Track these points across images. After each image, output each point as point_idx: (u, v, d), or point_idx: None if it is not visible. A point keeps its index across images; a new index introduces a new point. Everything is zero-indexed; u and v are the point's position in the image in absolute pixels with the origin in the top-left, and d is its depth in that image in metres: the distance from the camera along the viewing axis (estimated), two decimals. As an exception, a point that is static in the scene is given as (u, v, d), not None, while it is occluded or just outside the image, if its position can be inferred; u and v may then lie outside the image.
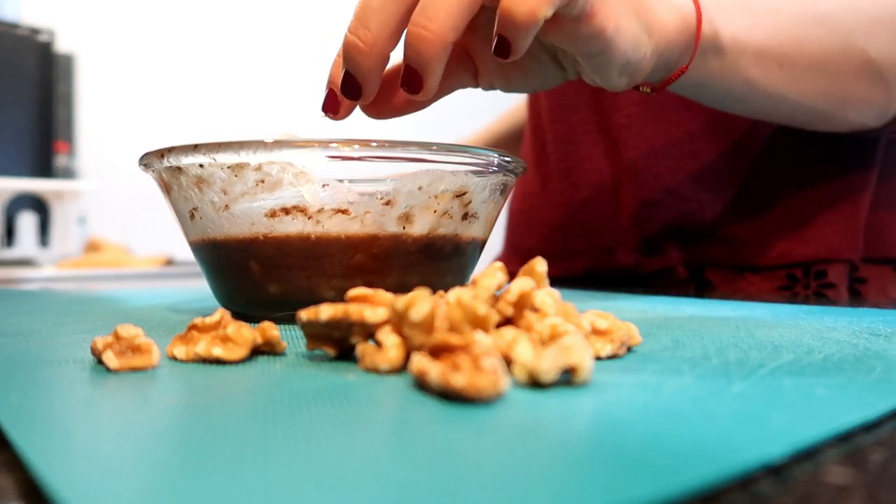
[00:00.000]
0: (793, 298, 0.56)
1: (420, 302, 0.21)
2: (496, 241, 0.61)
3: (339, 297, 0.35)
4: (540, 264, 0.26)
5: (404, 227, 0.35)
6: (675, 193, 0.60)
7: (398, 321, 0.22)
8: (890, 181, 0.59)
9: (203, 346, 0.24)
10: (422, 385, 0.19)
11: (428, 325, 0.21)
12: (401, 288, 0.32)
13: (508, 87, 0.43)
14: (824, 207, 0.57)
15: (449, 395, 0.18)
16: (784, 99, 0.46)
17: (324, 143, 0.32)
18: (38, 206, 1.88)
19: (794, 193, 0.58)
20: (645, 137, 0.61)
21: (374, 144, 0.33)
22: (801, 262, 0.57)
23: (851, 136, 0.54)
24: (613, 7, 0.35)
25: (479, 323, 0.22)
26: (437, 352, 0.20)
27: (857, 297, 0.58)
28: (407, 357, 0.22)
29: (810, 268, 0.57)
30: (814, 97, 0.46)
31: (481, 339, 0.19)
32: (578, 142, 0.65)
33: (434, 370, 0.19)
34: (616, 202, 0.63)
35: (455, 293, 0.22)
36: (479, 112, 1.43)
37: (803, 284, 0.58)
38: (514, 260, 0.72)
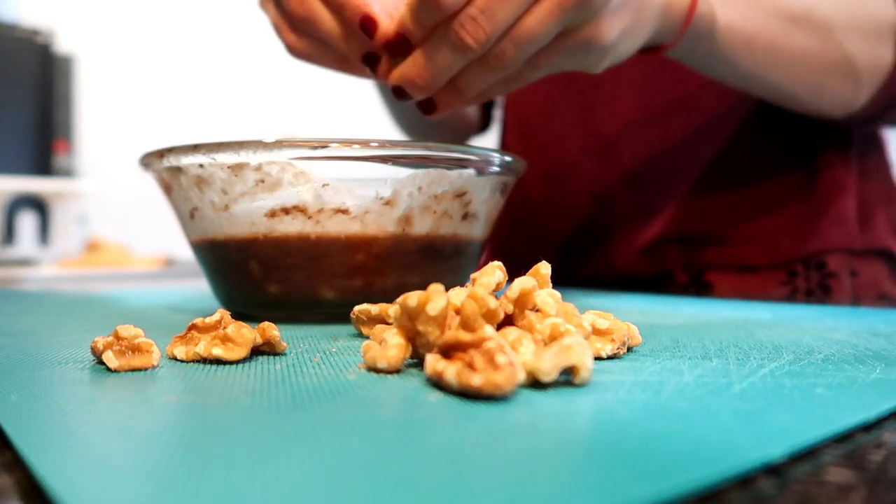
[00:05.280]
0: (794, 294, 0.57)
1: (436, 297, 0.21)
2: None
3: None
4: (544, 267, 0.26)
5: (404, 228, 0.35)
6: (673, 199, 0.59)
7: (409, 320, 0.22)
8: (869, 172, 0.60)
9: (203, 346, 0.24)
10: (438, 385, 0.20)
11: (442, 320, 0.21)
12: (401, 288, 0.32)
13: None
14: (818, 201, 0.58)
15: (467, 394, 0.18)
16: (764, 82, 0.49)
17: (324, 143, 0.32)
18: (38, 206, 1.88)
19: (788, 191, 0.58)
20: (641, 144, 0.60)
21: (374, 144, 0.33)
22: (801, 256, 0.57)
23: (826, 127, 0.57)
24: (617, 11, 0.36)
25: (489, 317, 0.22)
26: (450, 350, 0.20)
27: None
28: (405, 358, 0.22)
29: (810, 261, 0.57)
30: (792, 83, 0.50)
31: (490, 332, 0.20)
32: (567, 148, 0.64)
33: (450, 370, 0.19)
34: (611, 209, 0.62)
35: (463, 290, 0.23)
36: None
37: (804, 278, 0.58)
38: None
